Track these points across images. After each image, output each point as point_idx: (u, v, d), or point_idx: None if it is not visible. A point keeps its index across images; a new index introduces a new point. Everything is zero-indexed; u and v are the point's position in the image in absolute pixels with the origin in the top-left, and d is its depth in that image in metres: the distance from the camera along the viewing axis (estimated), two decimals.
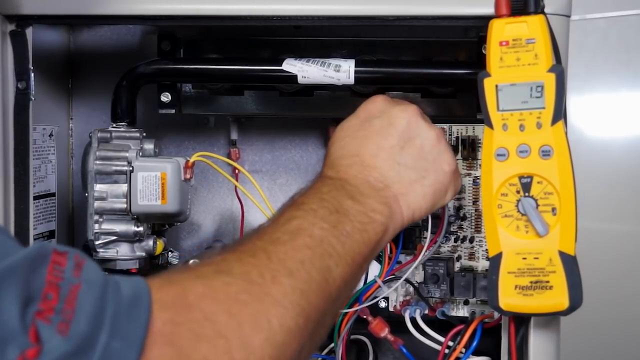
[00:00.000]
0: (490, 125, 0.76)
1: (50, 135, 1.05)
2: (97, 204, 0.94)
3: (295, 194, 0.69)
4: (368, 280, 0.93)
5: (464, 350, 0.87)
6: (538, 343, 0.79)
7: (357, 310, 0.91)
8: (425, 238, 0.93)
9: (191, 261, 1.01)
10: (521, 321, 0.78)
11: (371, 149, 0.72)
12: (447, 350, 0.88)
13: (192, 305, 0.51)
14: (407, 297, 0.95)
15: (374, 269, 0.94)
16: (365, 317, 0.92)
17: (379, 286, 0.90)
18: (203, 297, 0.51)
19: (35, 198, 0.97)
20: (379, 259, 0.91)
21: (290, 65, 0.92)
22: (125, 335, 0.46)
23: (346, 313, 0.92)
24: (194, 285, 0.52)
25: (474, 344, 0.86)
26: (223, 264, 0.56)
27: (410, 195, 0.72)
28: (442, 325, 0.92)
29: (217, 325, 0.50)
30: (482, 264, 0.94)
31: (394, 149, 0.72)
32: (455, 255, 0.95)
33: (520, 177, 0.75)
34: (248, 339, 0.51)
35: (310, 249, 0.60)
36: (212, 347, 0.49)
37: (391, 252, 0.91)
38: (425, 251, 0.89)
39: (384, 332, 0.92)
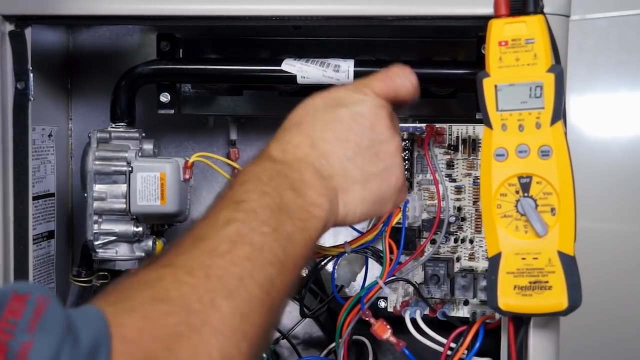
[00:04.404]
0: (490, 126, 0.75)
1: (50, 135, 1.05)
2: (96, 204, 0.94)
3: (235, 182, 0.62)
4: (369, 282, 0.92)
5: (465, 352, 0.86)
6: (537, 343, 0.79)
7: (359, 312, 0.90)
8: (425, 238, 0.93)
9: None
10: (520, 321, 0.78)
11: (326, 136, 0.66)
12: (449, 352, 0.87)
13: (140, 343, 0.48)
14: (407, 298, 0.94)
15: (375, 270, 0.94)
16: (367, 319, 0.91)
17: (380, 287, 0.89)
18: (143, 332, 0.49)
19: (34, 198, 0.97)
20: (380, 261, 0.91)
21: (290, 66, 0.92)
22: None
23: (348, 315, 0.91)
24: (134, 321, 0.50)
25: (477, 345, 0.85)
26: (159, 287, 0.52)
27: (349, 194, 0.66)
28: (442, 325, 0.92)
29: None
30: (482, 265, 0.94)
31: (349, 144, 0.67)
32: (455, 255, 0.95)
33: (520, 177, 0.75)
34: None
35: (251, 260, 0.56)
36: None
37: (392, 253, 0.90)
38: (423, 249, 0.89)
39: (387, 335, 0.90)
